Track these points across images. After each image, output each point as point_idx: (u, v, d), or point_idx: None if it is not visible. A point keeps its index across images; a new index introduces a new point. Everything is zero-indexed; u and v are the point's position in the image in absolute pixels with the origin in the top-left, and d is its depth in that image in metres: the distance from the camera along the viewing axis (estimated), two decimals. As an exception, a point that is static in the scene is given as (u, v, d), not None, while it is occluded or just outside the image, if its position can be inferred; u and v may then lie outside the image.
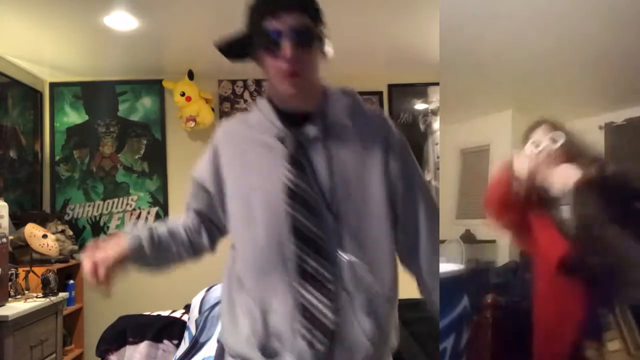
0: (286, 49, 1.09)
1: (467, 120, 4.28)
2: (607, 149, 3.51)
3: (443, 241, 3.76)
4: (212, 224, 1.32)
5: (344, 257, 1.13)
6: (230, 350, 1.22)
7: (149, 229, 1.30)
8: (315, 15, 1.15)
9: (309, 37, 1.12)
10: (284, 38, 1.10)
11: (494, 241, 3.82)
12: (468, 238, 4.03)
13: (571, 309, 1.56)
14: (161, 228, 1.31)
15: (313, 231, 1.12)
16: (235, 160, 1.22)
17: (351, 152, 1.17)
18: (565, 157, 1.66)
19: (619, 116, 3.52)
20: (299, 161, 1.15)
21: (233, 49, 1.20)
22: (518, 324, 1.69)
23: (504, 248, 3.73)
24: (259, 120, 1.21)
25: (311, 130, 1.17)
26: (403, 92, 4.33)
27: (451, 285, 1.61)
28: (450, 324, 1.57)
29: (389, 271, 1.23)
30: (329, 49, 1.19)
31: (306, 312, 1.11)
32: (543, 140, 1.68)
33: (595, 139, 3.25)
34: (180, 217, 1.35)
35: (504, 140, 4.21)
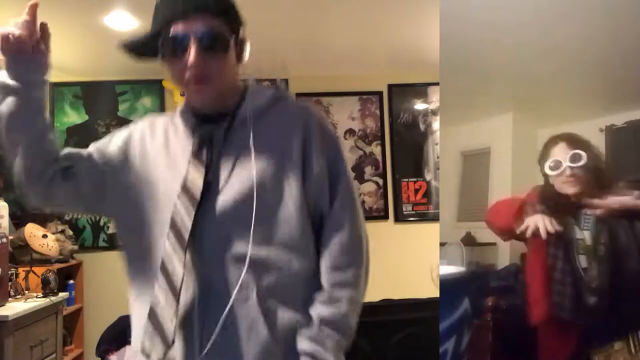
0: (192, 54, 1.03)
1: (468, 123, 4.28)
2: (608, 151, 3.52)
3: (444, 244, 3.77)
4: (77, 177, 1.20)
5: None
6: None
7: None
8: (229, 16, 1.08)
9: (219, 42, 1.04)
10: (190, 43, 1.03)
11: (494, 244, 3.82)
12: (469, 241, 4.03)
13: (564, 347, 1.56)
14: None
15: (185, 226, 1.03)
16: (145, 147, 1.17)
17: (260, 152, 1.08)
18: (588, 176, 1.57)
19: (620, 119, 3.52)
20: (201, 154, 1.09)
21: (139, 48, 1.14)
22: (519, 327, 1.68)
23: (504, 251, 3.74)
24: (177, 116, 1.20)
25: (217, 128, 1.11)
26: (403, 92, 4.33)
27: (452, 287, 1.60)
28: (451, 325, 1.57)
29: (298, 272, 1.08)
30: (245, 52, 1.13)
31: (151, 312, 1.02)
32: (564, 160, 1.59)
33: (596, 141, 3.26)
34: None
35: (504, 143, 4.22)
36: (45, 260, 3.24)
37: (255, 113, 1.12)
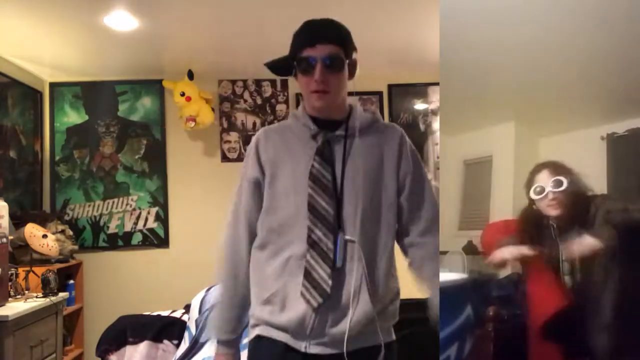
0: (317, 72, 1.38)
1: (469, 131, 4.28)
2: (609, 159, 3.52)
3: (445, 252, 3.77)
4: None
5: (345, 237, 1.38)
6: (254, 314, 1.45)
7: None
8: (345, 44, 1.43)
9: (337, 64, 1.40)
10: (317, 63, 1.38)
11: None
12: (470, 249, 4.02)
13: None
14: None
15: (325, 208, 1.38)
16: (273, 151, 1.48)
17: (367, 152, 1.45)
18: (568, 200, 1.74)
19: (621, 127, 3.52)
20: (324, 154, 1.42)
21: (279, 67, 1.49)
22: (519, 337, 1.70)
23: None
24: (295, 124, 1.50)
25: (336, 132, 1.45)
26: (403, 92, 4.33)
27: (454, 294, 1.61)
28: (453, 332, 1.57)
29: (385, 253, 1.45)
30: (355, 71, 1.47)
31: (308, 275, 1.35)
32: (547, 185, 1.76)
33: (597, 149, 3.26)
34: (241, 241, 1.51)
35: (506, 151, 4.22)
36: (45, 260, 3.25)
37: (363, 125, 1.47)
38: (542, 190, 1.78)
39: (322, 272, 1.35)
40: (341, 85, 1.43)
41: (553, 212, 1.77)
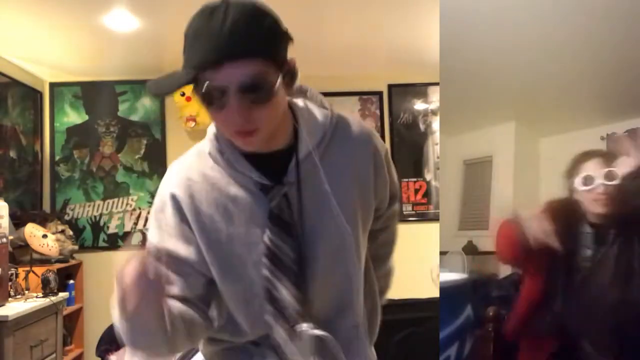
0: (233, 109, 0.88)
1: (469, 131, 4.28)
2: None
3: (445, 252, 3.77)
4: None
5: (314, 332, 1.01)
6: None
7: None
8: (272, 52, 0.90)
9: (262, 90, 0.89)
10: (229, 95, 0.87)
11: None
12: (470, 249, 4.02)
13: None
14: None
15: (289, 300, 1.00)
16: (204, 216, 1.01)
17: (335, 186, 1.03)
18: (623, 197, 1.47)
19: (621, 127, 3.52)
20: (282, 216, 1.00)
21: (170, 89, 0.95)
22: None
23: (506, 260, 3.73)
24: (227, 169, 1.02)
25: (287, 177, 1.01)
26: (403, 92, 4.33)
27: (454, 294, 1.60)
28: (453, 332, 1.57)
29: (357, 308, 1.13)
30: (295, 77, 0.97)
31: None
32: (596, 176, 1.51)
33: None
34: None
35: (507, 151, 4.22)
36: (45, 260, 3.24)
37: (318, 145, 1.03)
38: (592, 180, 1.51)
39: None
40: (274, 113, 0.94)
41: (600, 208, 1.50)
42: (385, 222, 1.26)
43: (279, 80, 0.91)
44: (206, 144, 1.05)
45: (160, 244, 1.02)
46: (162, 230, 1.03)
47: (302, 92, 1.09)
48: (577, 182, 1.54)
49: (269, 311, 1.00)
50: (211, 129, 1.05)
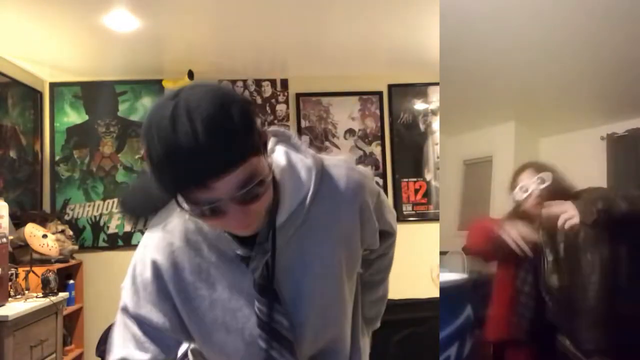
0: (231, 216, 0.84)
1: (469, 131, 4.28)
2: (609, 159, 3.52)
3: (445, 252, 3.78)
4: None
5: None
6: None
7: None
8: (255, 140, 0.83)
9: (257, 186, 0.83)
10: (226, 206, 0.83)
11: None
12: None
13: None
14: None
15: None
16: (187, 281, 0.98)
17: (318, 244, 0.99)
18: (554, 196, 1.65)
19: (621, 127, 3.52)
20: (268, 286, 0.95)
21: (146, 212, 0.98)
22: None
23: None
24: (205, 235, 0.97)
25: (267, 245, 0.94)
26: (403, 92, 4.32)
27: (454, 294, 1.61)
28: (452, 332, 1.57)
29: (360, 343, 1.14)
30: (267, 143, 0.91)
31: None
32: (530, 184, 1.70)
33: (597, 149, 3.26)
34: None
35: (507, 152, 4.22)
36: (45, 260, 3.24)
37: (302, 207, 0.96)
38: (527, 187, 1.71)
39: None
40: (269, 195, 0.89)
41: (539, 210, 1.67)
42: (380, 252, 1.25)
43: (266, 162, 0.86)
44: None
45: (135, 310, 0.99)
46: (138, 296, 0.99)
47: (286, 138, 1.01)
48: (516, 192, 1.74)
49: None
50: None
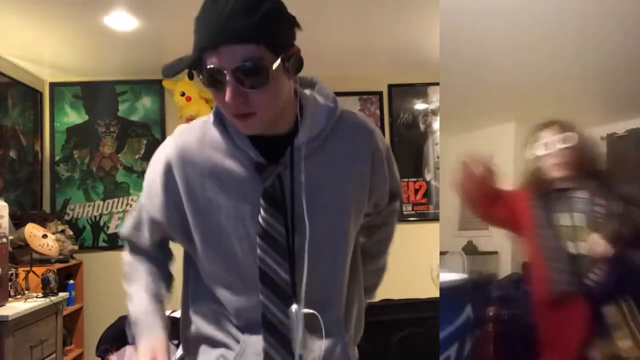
0: (228, 92, 0.91)
1: (469, 132, 4.28)
2: (609, 159, 3.52)
3: (445, 252, 3.77)
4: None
5: (302, 310, 1.04)
6: None
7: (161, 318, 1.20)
8: (269, 39, 0.92)
9: (257, 74, 0.91)
10: (225, 77, 0.91)
11: (496, 253, 3.81)
12: (470, 250, 4.02)
13: (574, 316, 1.53)
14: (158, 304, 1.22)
15: (281, 277, 1.03)
16: (196, 186, 1.05)
17: (328, 174, 1.06)
18: (575, 161, 1.56)
19: (621, 127, 3.52)
20: (275, 197, 1.02)
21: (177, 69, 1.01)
22: (520, 337, 1.68)
23: (506, 260, 3.74)
24: (227, 144, 1.04)
25: (282, 160, 1.03)
26: (403, 92, 4.33)
27: (454, 294, 1.60)
28: (452, 332, 1.57)
29: (355, 293, 1.18)
30: (297, 64, 0.97)
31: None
32: (554, 141, 1.58)
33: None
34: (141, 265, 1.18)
35: (506, 152, 4.23)
36: (45, 260, 3.24)
37: (319, 135, 1.05)
38: (551, 145, 1.56)
39: None
40: (271, 99, 0.96)
41: (558, 172, 1.56)
42: (384, 219, 1.28)
43: (277, 65, 0.93)
44: (212, 115, 1.07)
45: (146, 200, 1.14)
46: (150, 188, 1.12)
47: (311, 85, 1.12)
48: (538, 148, 1.60)
49: (261, 289, 1.03)
50: None
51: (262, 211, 1.02)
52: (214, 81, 0.92)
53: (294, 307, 1.03)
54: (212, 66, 0.91)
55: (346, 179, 1.08)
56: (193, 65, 0.94)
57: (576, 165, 1.57)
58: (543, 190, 1.60)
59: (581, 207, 1.56)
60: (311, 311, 1.03)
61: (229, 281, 1.07)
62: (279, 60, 0.93)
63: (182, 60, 0.96)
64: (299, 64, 0.97)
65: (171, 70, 0.97)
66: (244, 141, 1.02)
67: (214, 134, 1.05)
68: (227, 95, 0.92)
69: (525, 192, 1.64)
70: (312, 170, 1.03)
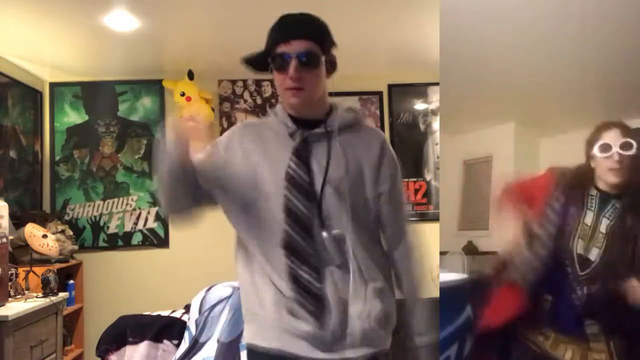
0: (292, 68, 1.34)
1: (470, 132, 4.28)
2: None
3: (445, 253, 3.77)
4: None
5: (326, 234, 1.34)
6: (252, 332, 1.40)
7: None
8: (322, 40, 1.38)
9: (312, 60, 1.35)
10: (291, 60, 1.34)
11: (496, 253, 3.80)
12: (470, 250, 4.02)
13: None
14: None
15: (302, 211, 1.34)
16: (249, 147, 1.43)
17: (346, 154, 1.40)
18: (634, 170, 1.55)
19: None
20: (301, 154, 1.38)
21: (255, 63, 1.44)
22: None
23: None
24: (274, 121, 1.46)
25: (314, 130, 1.41)
26: (403, 92, 4.33)
27: (453, 294, 1.60)
28: (453, 332, 1.57)
29: (376, 250, 1.44)
30: (334, 68, 1.43)
31: (296, 282, 1.32)
32: (615, 145, 1.56)
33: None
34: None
35: (506, 152, 4.23)
36: (45, 260, 3.24)
37: (342, 125, 1.42)
38: (609, 148, 1.56)
39: (308, 277, 1.32)
40: (317, 82, 1.38)
41: (613, 178, 1.56)
42: (398, 246, 1.50)
43: (323, 59, 1.38)
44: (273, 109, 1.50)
45: (219, 145, 1.47)
46: (222, 143, 1.47)
47: (349, 109, 1.52)
48: (596, 148, 1.59)
49: (285, 220, 1.34)
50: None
51: (291, 163, 1.37)
52: (282, 62, 1.35)
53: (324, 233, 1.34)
54: (282, 51, 1.34)
55: (359, 161, 1.41)
56: (267, 54, 1.37)
57: (630, 176, 1.56)
58: (584, 189, 1.60)
59: (612, 215, 1.55)
60: (339, 231, 1.35)
61: (267, 222, 1.38)
62: (324, 58, 1.38)
63: (258, 51, 1.39)
64: (335, 65, 1.43)
65: (252, 57, 1.40)
66: (284, 115, 1.43)
67: (268, 118, 1.48)
68: (290, 71, 1.33)
69: (553, 177, 1.64)
70: (332, 146, 1.39)
